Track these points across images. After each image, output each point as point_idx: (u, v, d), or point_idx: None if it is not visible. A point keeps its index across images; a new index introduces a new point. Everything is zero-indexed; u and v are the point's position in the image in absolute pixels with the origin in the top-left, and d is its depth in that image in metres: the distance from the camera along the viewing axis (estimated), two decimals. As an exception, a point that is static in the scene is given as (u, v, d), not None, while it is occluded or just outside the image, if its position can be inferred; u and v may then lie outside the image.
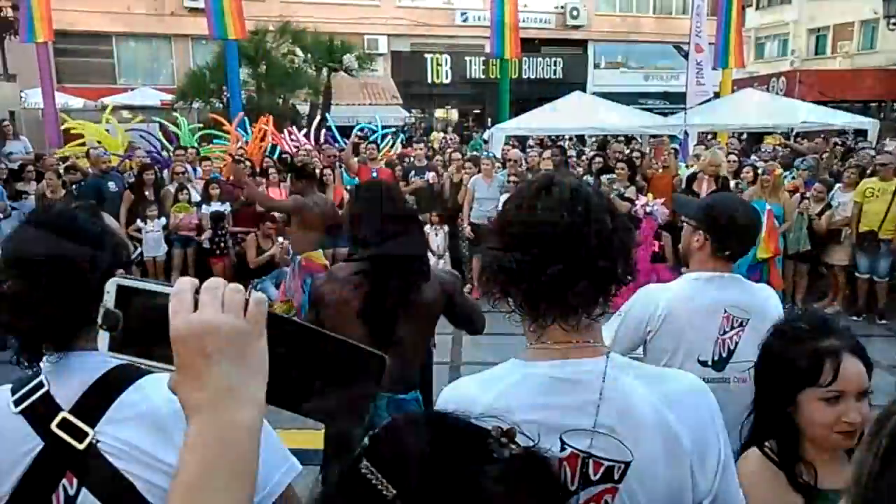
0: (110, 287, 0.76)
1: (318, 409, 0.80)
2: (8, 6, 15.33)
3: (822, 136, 12.50)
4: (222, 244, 8.45)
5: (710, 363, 2.30)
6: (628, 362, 1.31)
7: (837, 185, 8.04)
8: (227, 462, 0.69)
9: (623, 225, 1.29)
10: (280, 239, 8.40)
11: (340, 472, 0.85)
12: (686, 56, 18.98)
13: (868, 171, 8.02)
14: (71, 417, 1.16)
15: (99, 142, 11.23)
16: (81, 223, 1.25)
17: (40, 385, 1.19)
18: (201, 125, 12.91)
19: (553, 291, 1.22)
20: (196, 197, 8.74)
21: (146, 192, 8.62)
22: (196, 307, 0.71)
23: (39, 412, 1.17)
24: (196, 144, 11.54)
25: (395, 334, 2.49)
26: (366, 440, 0.87)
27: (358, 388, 0.80)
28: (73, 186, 8.87)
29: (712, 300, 2.31)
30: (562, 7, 25.83)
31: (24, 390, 1.20)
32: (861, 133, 13.43)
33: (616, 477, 1.21)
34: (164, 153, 11.03)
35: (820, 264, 8.10)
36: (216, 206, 8.54)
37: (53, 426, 1.15)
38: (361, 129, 11.85)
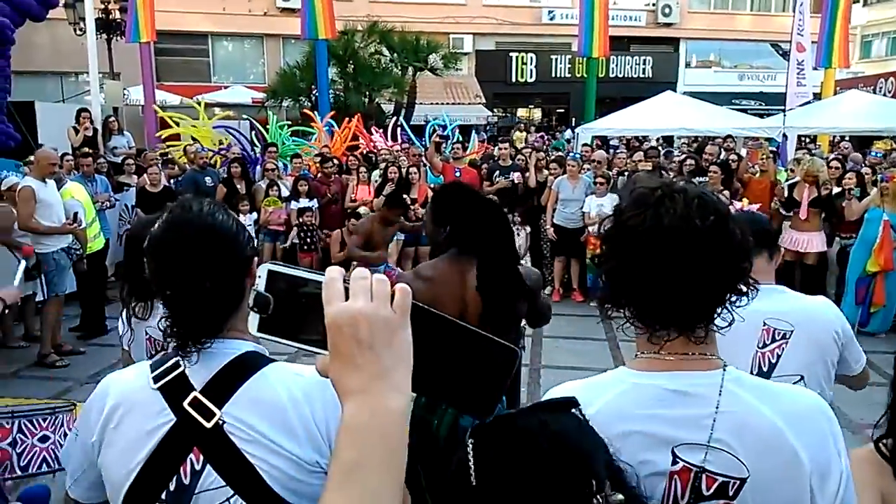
0: (262, 272, 0.81)
1: (453, 398, 0.84)
2: (116, 8, 16.18)
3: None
4: (309, 240, 8.64)
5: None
6: (745, 377, 1.26)
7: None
8: (381, 445, 0.73)
9: (746, 234, 1.24)
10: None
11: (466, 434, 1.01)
12: (785, 55, 18.16)
13: None
14: (201, 397, 1.25)
15: (194, 138, 11.74)
16: (219, 221, 1.33)
17: (177, 365, 1.29)
18: (289, 122, 13.23)
19: (677, 302, 1.19)
20: (286, 193, 8.98)
21: (238, 186, 8.94)
22: (347, 296, 0.74)
23: (175, 390, 1.27)
24: (285, 141, 11.86)
25: (501, 327, 2.44)
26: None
27: (490, 379, 0.82)
28: (172, 181, 9.29)
29: (750, 311, 2.15)
30: (653, 4, 25.17)
31: (161, 368, 1.30)
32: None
33: (731, 493, 1.19)
34: (254, 151, 11.39)
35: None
36: (304, 203, 8.74)
37: (185, 404, 1.24)
38: (433, 128, 11.89)
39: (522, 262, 8.36)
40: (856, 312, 7.29)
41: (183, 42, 22.69)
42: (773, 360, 2.19)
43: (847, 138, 12.82)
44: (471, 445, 1.05)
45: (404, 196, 8.55)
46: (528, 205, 8.88)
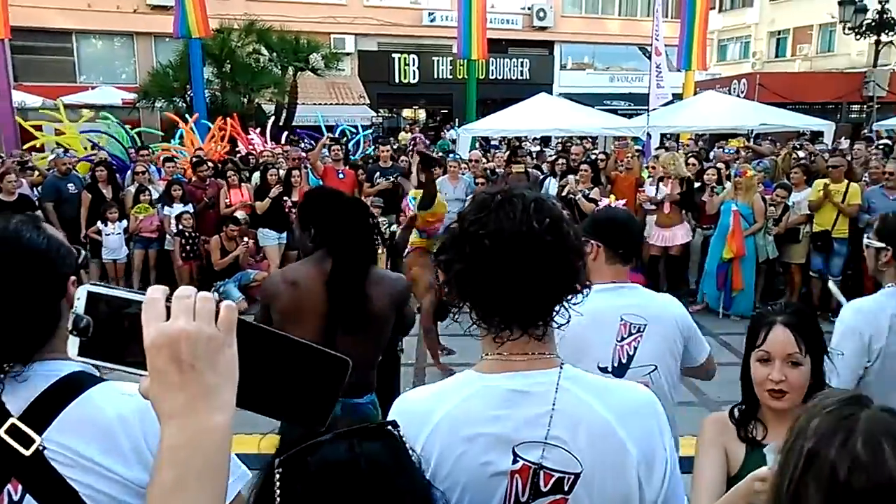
0: (80, 294, 0.78)
1: (284, 412, 0.84)
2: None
3: (770, 139, 12.78)
4: (189, 248, 8.34)
5: (609, 369, 2.33)
6: (581, 374, 1.32)
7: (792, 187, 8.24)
8: (201, 465, 0.72)
9: (579, 236, 1.32)
10: (245, 240, 8.35)
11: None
12: (650, 58, 19.31)
13: (822, 173, 8.24)
14: (19, 424, 1.17)
15: (59, 144, 11.04)
16: (27, 239, 1.24)
17: None
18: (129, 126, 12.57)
19: (513, 303, 1.24)
20: (154, 198, 8.60)
21: (104, 192, 8.50)
22: (168, 315, 0.73)
23: None
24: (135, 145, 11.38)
25: (352, 328, 2.48)
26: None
27: (322, 392, 0.83)
28: (34, 188, 8.71)
29: (608, 308, 2.33)
30: (528, 8, 25.99)
31: None
32: (818, 134, 13.77)
33: (566, 488, 1.24)
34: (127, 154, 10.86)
35: (776, 263, 8.30)
36: (179, 208, 8.43)
37: (1, 432, 1.16)
38: (343, 132, 11.83)
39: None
40: (718, 298, 7.92)
41: (44, 40, 21.19)
42: (631, 353, 2.33)
43: (705, 136, 13.85)
44: (278, 475, 1.02)
45: (284, 199, 8.46)
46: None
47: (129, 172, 9.56)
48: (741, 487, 1.55)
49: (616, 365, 2.33)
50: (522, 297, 1.23)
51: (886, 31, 17.15)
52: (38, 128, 12.44)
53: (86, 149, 10.89)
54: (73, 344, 0.79)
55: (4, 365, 1.19)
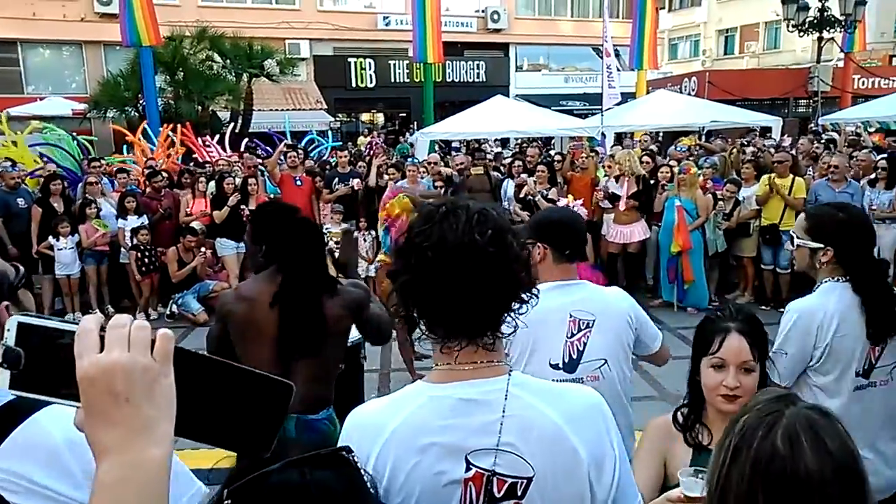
0: (11, 325, 0.75)
1: (226, 440, 0.81)
2: None
3: (722, 136, 13.11)
4: (147, 261, 8.20)
5: (560, 366, 2.37)
6: (530, 380, 1.35)
7: (742, 182, 8.46)
8: (138, 499, 0.70)
9: (524, 245, 1.34)
10: (203, 250, 8.25)
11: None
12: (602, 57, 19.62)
13: (767, 167, 8.49)
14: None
15: (7, 157, 10.73)
16: None
17: None
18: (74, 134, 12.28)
19: (458, 313, 1.26)
20: (107, 210, 8.44)
21: (55, 206, 8.30)
22: (102, 346, 0.71)
23: None
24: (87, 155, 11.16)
25: (304, 346, 2.47)
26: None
27: (265, 417, 0.81)
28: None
29: (557, 306, 2.37)
30: (483, 11, 26.16)
31: None
32: (769, 130, 14.17)
33: (519, 493, 1.26)
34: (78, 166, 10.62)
35: (730, 257, 8.52)
36: (134, 221, 8.28)
37: None
38: (311, 140, 11.74)
39: (372, 266, 8.51)
40: (672, 291, 8.10)
41: (-14, 50, 20.65)
42: (581, 348, 2.37)
43: (660, 134, 14.15)
44: None
45: (242, 207, 8.38)
46: (372, 209, 9.00)
47: (80, 185, 9.36)
48: None
49: (567, 361, 2.37)
50: (467, 307, 1.25)
51: (828, 28, 17.71)
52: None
53: (35, 161, 10.62)
54: (3, 377, 0.75)
55: None
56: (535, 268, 2.49)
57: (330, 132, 15.77)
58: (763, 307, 8.11)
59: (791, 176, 7.92)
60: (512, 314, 1.32)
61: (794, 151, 9.52)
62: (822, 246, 2.37)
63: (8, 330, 0.75)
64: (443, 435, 1.26)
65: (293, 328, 2.45)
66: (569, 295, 2.42)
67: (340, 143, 15.45)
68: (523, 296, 1.32)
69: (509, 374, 1.32)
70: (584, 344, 2.37)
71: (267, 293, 2.50)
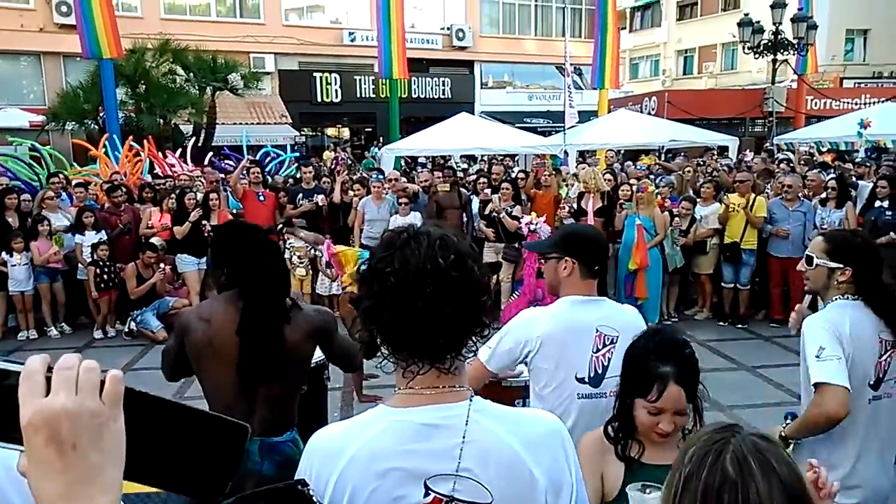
0: None
1: (179, 484, 0.79)
2: None
3: (683, 154, 13.42)
4: (106, 277, 8.04)
5: (587, 379, 2.47)
6: (489, 406, 1.35)
7: (699, 200, 8.67)
8: None
9: (485, 271, 1.36)
10: (162, 266, 8.13)
11: None
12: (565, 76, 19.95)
13: (726, 187, 8.71)
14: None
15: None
16: None
17: None
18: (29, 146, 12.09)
19: (420, 338, 1.28)
20: (58, 223, 8.26)
21: (9, 220, 8.11)
22: (48, 389, 0.68)
23: None
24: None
25: (266, 371, 2.45)
26: None
27: (220, 460, 0.79)
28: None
29: (586, 321, 2.48)
30: (448, 28, 26.40)
31: None
32: (726, 149, 14.53)
33: None
34: (33, 180, 10.40)
35: (689, 274, 8.70)
36: (91, 236, 8.13)
37: None
38: (267, 153, 11.67)
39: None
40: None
41: (-60, 59, 20.10)
42: (605, 363, 2.45)
43: (621, 152, 14.39)
44: None
45: (203, 223, 8.29)
46: (336, 226, 8.98)
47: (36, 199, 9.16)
48: None
49: (592, 375, 2.46)
50: (429, 332, 1.27)
51: (781, 51, 18.28)
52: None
53: None
54: None
55: None
56: (559, 281, 2.58)
57: (288, 145, 15.66)
58: (721, 322, 8.32)
59: (752, 195, 8.13)
60: (473, 338, 1.34)
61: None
62: (841, 266, 2.50)
63: None
64: (403, 460, 1.27)
65: (255, 355, 2.43)
66: (596, 310, 2.52)
67: (298, 154, 15.37)
68: (484, 320, 1.34)
69: (470, 400, 1.33)
70: (609, 359, 2.45)
71: (228, 316, 2.47)
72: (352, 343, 2.87)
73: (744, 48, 18.97)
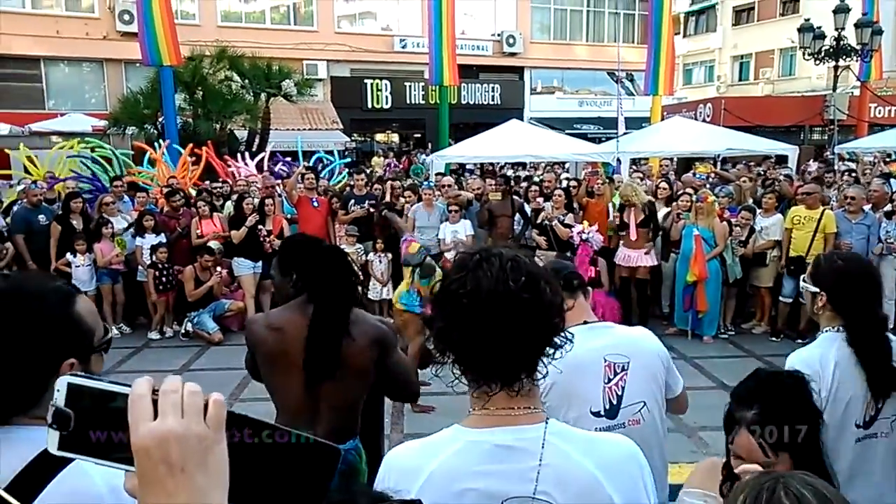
0: (61, 385, 0.74)
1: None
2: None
3: (745, 162, 13.08)
4: (165, 279, 8.25)
5: (602, 413, 2.31)
6: (567, 429, 1.36)
7: (759, 211, 8.43)
8: None
9: (557, 291, 1.35)
10: (219, 270, 8.30)
11: None
12: (618, 82, 19.69)
13: (789, 199, 8.45)
14: (6, 496, 1.12)
15: (28, 171, 10.94)
16: (45, 306, 1.24)
17: None
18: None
19: (493, 360, 1.28)
20: (118, 227, 8.52)
21: (74, 223, 8.40)
22: (155, 412, 0.70)
23: None
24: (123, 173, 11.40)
25: (330, 369, 2.48)
26: None
27: (313, 481, 0.81)
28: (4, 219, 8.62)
29: (590, 351, 2.29)
30: (499, 35, 26.39)
31: None
32: (784, 158, 14.12)
33: None
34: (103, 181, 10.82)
35: (748, 286, 8.47)
36: (151, 239, 8.35)
37: None
38: (319, 160, 11.86)
39: (385, 288, 8.52)
40: (687, 319, 8.05)
41: (12, 66, 20.94)
42: (619, 393, 2.31)
43: (673, 160, 14.12)
44: None
45: (259, 228, 8.44)
46: (388, 232, 9.03)
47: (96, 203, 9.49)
48: None
49: (607, 407, 2.31)
50: (502, 353, 1.28)
51: (844, 57, 17.69)
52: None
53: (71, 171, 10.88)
54: (52, 438, 0.74)
55: None
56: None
57: (336, 151, 15.83)
58: (774, 339, 8.05)
59: (820, 208, 7.86)
60: (546, 359, 1.34)
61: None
62: (818, 290, 2.36)
63: (57, 390, 0.74)
64: (479, 481, 1.28)
65: (320, 351, 2.47)
66: (600, 338, 2.36)
67: (349, 160, 15.53)
68: (557, 341, 1.34)
69: (546, 422, 1.33)
70: (622, 388, 2.31)
71: (297, 322, 2.52)
72: (409, 365, 2.88)
73: (804, 54, 18.39)
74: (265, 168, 13.28)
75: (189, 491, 0.69)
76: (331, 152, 13.90)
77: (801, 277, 2.45)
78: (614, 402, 2.32)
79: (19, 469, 1.18)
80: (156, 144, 12.55)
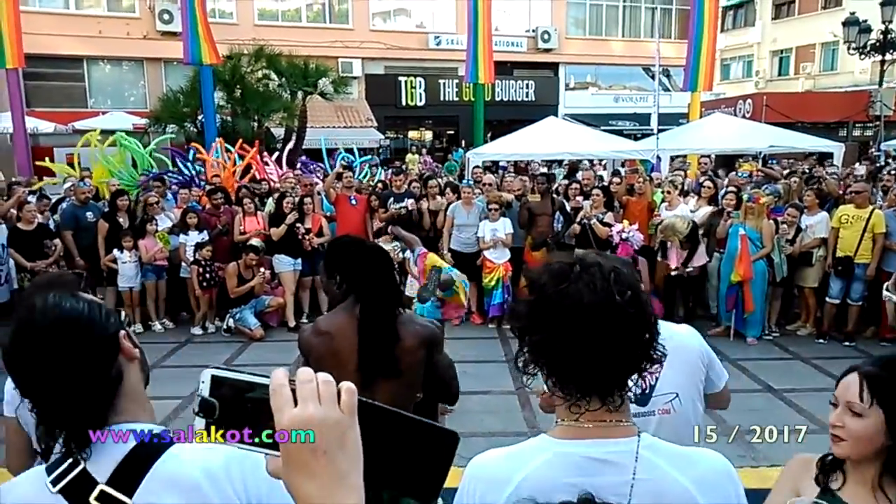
0: (205, 377, 0.82)
1: (397, 487, 0.86)
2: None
3: (791, 159, 12.80)
4: (208, 276, 8.37)
5: (633, 399, 2.36)
6: (659, 443, 1.34)
7: (805, 209, 8.23)
8: None
9: (650, 302, 1.32)
10: (262, 270, 8.38)
11: None
12: (654, 78, 19.41)
13: (834, 197, 8.23)
14: (108, 489, 1.18)
15: (87, 169, 11.23)
16: (70, 306, 1.26)
17: (75, 463, 1.20)
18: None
19: (592, 373, 1.26)
20: (163, 224, 8.65)
21: (120, 220, 8.56)
22: (295, 400, 0.76)
23: (77, 489, 1.18)
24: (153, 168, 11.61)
25: (385, 365, 2.52)
26: None
27: (434, 464, 0.85)
28: (45, 214, 8.80)
29: None
30: (533, 31, 26.22)
31: (59, 470, 1.21)
32: (826, 155, 13.79)
33: None
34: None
35: (793, 287, 8.29)
36: (194, 236, 8.48)
37: (92, 500, 1.17)
38: (343, 160, 11.91)
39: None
40: (730, 319, 7.91)
41: (56, 66, 21.40)
42: (653, 382, 2.36)
43: (712, 158, 13.87)
44: None
45: (298, 225, 8.51)
46: (426, 231, 9.01)
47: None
48: None
49: (639, 394, 2.36)
50: (602, 367, 1.25)
51: (891, 51, 17.22)
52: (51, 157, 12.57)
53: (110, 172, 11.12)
54: (199, 425, 0.82)
55: (86, 434, 1.21)
56: None
57: (368, 149, 15.90)
58: (820, 341, 7.87)
59: (869, 207, 7.66)
60: (639, 373, 1.31)
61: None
62: None
63: (202, 382, 0.82)
64: (569, 493, 1.24)
65: (375, 354, 2.51)
66: None
67: (370, 158, 15.56)
68: (654, 355, 1.31)
69: (638, 436, 1.31)
70: (657, 378, 2.36)
71: (346, 323, 2.56)
72: (450, 363, 2.93)
73: (848, 48, 17.98)
74: (297, 165, 13.39)
75: (331, 471, 0.75)
76: (351, 150, 13.92)
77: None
78: (647, 390, 2.36)
79: (116, 465, 1.20)
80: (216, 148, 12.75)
